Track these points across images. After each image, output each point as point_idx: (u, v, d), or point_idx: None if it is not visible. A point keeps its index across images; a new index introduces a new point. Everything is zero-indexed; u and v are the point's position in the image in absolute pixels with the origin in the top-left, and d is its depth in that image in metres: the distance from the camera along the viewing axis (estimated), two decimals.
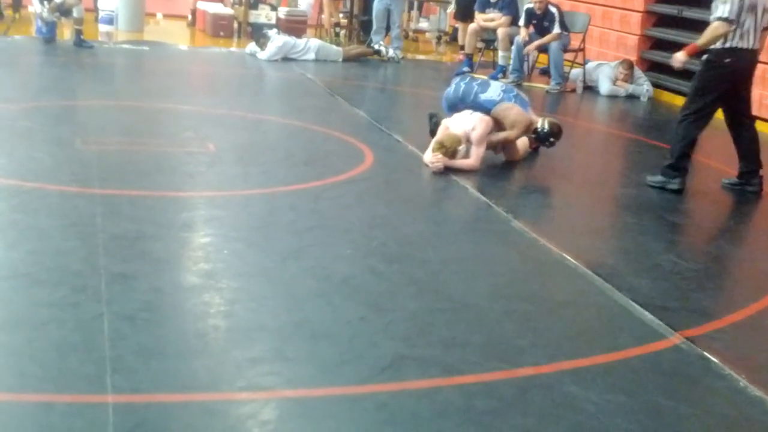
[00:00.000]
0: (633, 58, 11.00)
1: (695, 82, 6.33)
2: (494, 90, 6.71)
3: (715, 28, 6.03)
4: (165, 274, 4.06)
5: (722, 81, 6.22)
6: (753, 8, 6.03)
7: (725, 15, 5.96)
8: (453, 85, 7.01)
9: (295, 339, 3.49)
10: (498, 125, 6.56)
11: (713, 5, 6.10)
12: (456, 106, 6.81)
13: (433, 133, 6.66)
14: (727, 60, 6.13)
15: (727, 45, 6.08)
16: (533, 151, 7.04)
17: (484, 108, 6.56)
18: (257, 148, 6.68)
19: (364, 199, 5.60)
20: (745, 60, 6.21)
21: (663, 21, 11.01)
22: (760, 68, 8.29)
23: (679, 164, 6.28)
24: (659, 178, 6.34)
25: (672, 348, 3.74)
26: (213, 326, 3.56)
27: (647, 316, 4.02)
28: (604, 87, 10.56)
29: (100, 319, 3.45)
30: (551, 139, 6.68)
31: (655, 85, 10.76)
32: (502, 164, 6.69)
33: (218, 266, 4.22)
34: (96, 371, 3.06)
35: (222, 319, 3.62)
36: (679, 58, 6.30)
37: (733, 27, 5.99)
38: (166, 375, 3.11)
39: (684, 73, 10.49)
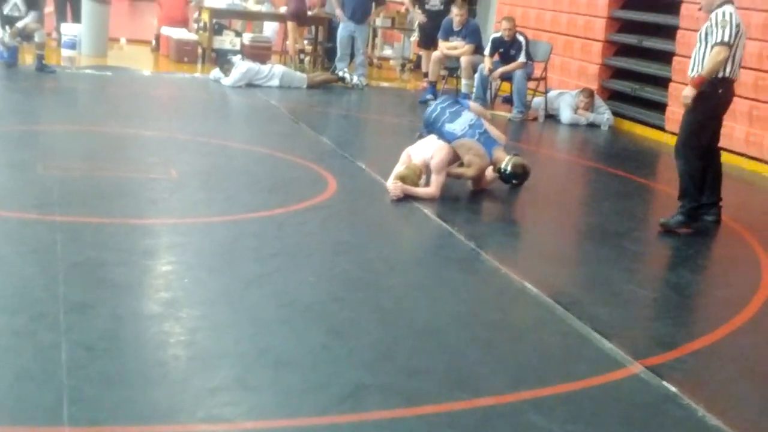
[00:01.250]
0: (594, 86, 11.14)
1: (692, 117, 6.13)
2: (461, 123, 6.58)
3: (716, 53, 5.88)
4: (125, 302, 4.02)
5: (720, 113, 6.23)
6: (742, 37, 5.99)
7: (726, 39, 5.86)
8: (432, 105, 7.02)
9: (257, 367, 3.48)
10: (458, 157, 6.57)
11: (707, 31, 5.98)
12: (428, 127, 6.84)
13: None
14: (720, 91, 6.07)
15: (720, 75, 5.99)
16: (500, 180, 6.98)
17: (446, 139, 6.55)
18: (221, 175, 6.65)
19: (328, 226, 5.61)
20: (731, 91, 6.22)
21: (623, 50, 11.17)
22: (746, 104, 8.53)
23: (707, 200, 6.37)
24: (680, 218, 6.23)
25: (632, 377, 3.77)
26: (173, 355, 3.53)
27: (607, 344, 4.05)
28: (566, 115, 10.67)
29: (58, 348, 3.41)
30: (513, 181, 6.63)
31: (616, 114, 10.89)
32: (465, 192, 6.72)
33: (179, 294, 4.19)
34: (53, 402, 3.02)
35: (182, 348, 3.59)
36: (688, 94, 6.01)
37: (730, 54, 5.91)
38: (125, 405, 3.07)
39: (644, 102, 10.74)
